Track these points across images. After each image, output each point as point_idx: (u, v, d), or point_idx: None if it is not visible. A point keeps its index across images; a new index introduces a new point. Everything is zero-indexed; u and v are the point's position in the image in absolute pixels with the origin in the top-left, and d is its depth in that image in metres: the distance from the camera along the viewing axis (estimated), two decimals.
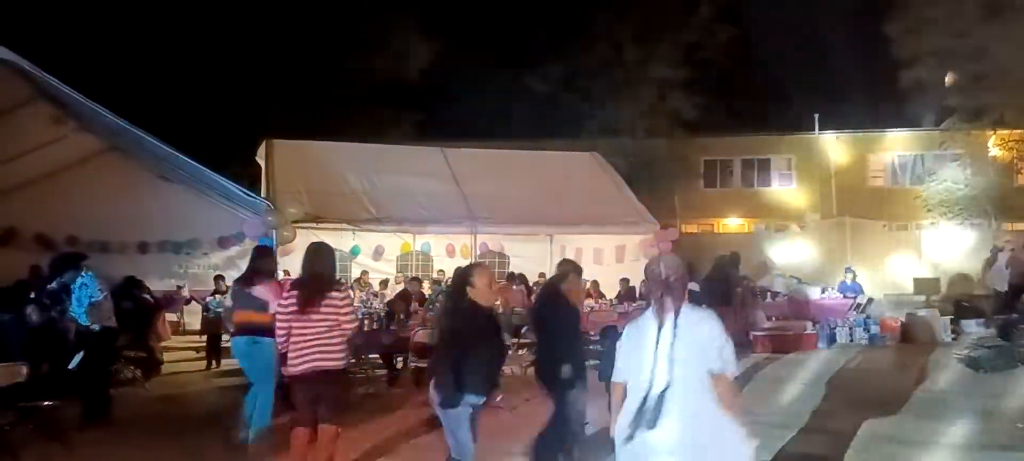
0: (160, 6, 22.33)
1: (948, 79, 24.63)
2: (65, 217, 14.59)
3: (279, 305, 5.92)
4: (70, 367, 7.51)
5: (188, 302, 14.92)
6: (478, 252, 15.28)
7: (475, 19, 30.61)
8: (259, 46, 23.25)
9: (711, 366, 3.59)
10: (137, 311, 10.75)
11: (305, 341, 5.66)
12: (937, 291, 18.76)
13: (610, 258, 15.73)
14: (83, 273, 7.98)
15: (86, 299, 7.81)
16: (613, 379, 3.86)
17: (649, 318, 3.73)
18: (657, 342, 3.61)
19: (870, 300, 16.05)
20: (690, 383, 3.58)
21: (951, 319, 14.90)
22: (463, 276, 5.18)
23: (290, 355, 5.71)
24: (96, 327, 7.82)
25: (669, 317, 3.65)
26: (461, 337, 4.97)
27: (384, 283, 15.61)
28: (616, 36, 27.18)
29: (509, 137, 23.86)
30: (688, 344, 3.61)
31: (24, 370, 6.41)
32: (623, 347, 3.84)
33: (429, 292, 12.52)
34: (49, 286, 8.31)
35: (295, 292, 5.76)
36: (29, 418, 6.95)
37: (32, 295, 9.67)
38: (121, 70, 20.98)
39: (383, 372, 10.59)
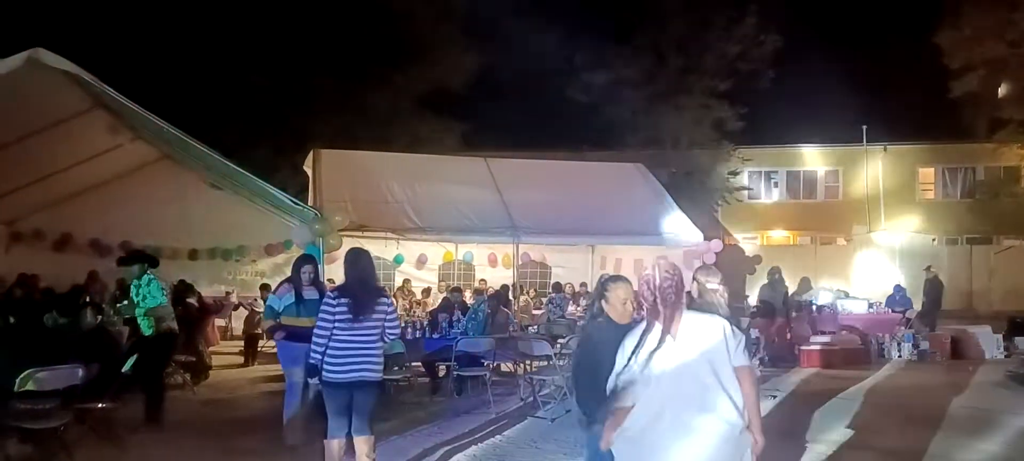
0: (212, 19, 22.76)
1: (1001, 90, 24.08)
2: (119, 224, 14.96)
3: (326, 310, 5.68)
4: (123, 370, 7.70)
5: (236, 308, 15.24)
6: (520, 262, 15.32)
7: (519, 30, 30.71)
8: (308, 57, 23.59)
9: (734, 362, 3.59)
10: (187, 316, 11.00)
11: (350, 350, 5.59)
12: (989, 305, 18.35)
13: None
14: (148, 272, 8.14)
15: (153, 299, 8.00)
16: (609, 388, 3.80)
17: (644, 328, 3.72)
18: (652, 352, 3.60)
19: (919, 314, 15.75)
20: (691, 395, 3.56)
21: (1004, 335, 14.56)
22: (599, 289, 4.67)
23: (331, 362, 5.60)
24: (151, 332, 8.01)
25: (659, 326, 3.65)
26: (594, 354, 4.48)
27: (427, 291, 15.75)
28: (660, 46, 27.06)
29: (552, 147, 23.88)
30: (690, 352, 3.58)
31: (80, 372, 6.57)
32: (619, 358, 3.77)
33: (472, 301, 12.59)
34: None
35: (345, 299, 5.66)
36: (84, 419, 7.15)
37: (87, 299, 9.97)
38: (175, 81, 21.43)
39: (426, 380, 10.68)
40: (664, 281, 3.67)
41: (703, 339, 3.61)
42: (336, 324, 5.61)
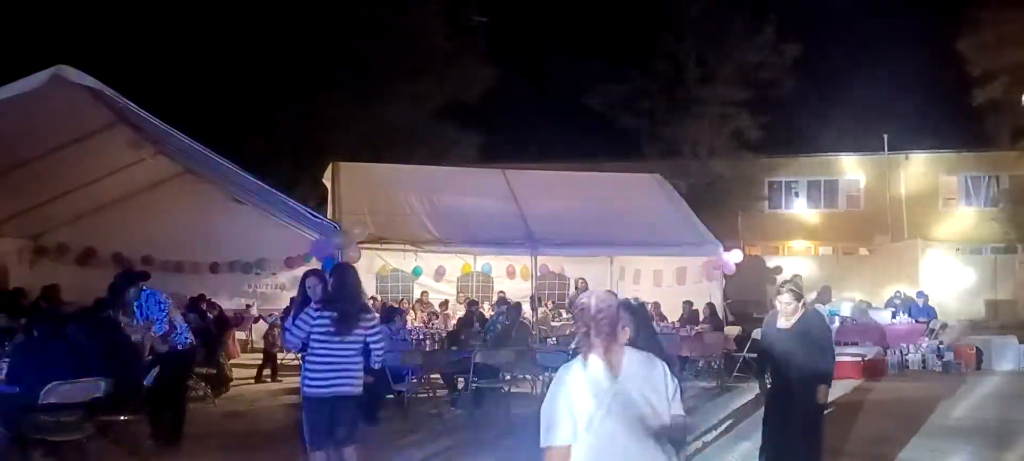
0: (233, 34, 22.99)
1: None
2: (141, 238, 15.17)
3: (305, 319, 5.70)
4: (145, 382, 7.75)
5: (256, 321, 15.32)
6: (538, 273, 15.29)
7: (537, 41, 30.82)
8: (327, 71, 23.77)
9: (672, 409, 3.26)
10: (207, 329, 11.07)
11: (330, 364, 5.63)
12: (1014, 315, 18.12)
13: (670, 280, 15.62)
14: (144, 291, 8.04)
15: (156, 317, 8.00)
16: (553, 443, 3.13)
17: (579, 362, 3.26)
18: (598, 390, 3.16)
19: (943, 325, 15.54)
20: (636, 441, 3.16)
21: None
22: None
23: (313, 377, 5.64)
24: (164, 348, 8.02)
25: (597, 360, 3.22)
26: None
27: (445, 304, 15.76)
28: (678, 56, 27.01)
29: (570, 158, 23.86)
30: (634, 393, 3.20)
31: (102, 385, 6.62)
32: (560, 400, 3.17)
33: (491, 314, 12.59)
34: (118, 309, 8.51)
35: (329, 313, 5.67)
36: (106, 432, 7.21)
37: (110, 313, 10.02)
38: (196, 96, 21.66)
39: (445, 392, 10.69)
40: (598, 310, 3.23)
41: (647, 381, 3.25)
42: (316, 337, 5.65)
